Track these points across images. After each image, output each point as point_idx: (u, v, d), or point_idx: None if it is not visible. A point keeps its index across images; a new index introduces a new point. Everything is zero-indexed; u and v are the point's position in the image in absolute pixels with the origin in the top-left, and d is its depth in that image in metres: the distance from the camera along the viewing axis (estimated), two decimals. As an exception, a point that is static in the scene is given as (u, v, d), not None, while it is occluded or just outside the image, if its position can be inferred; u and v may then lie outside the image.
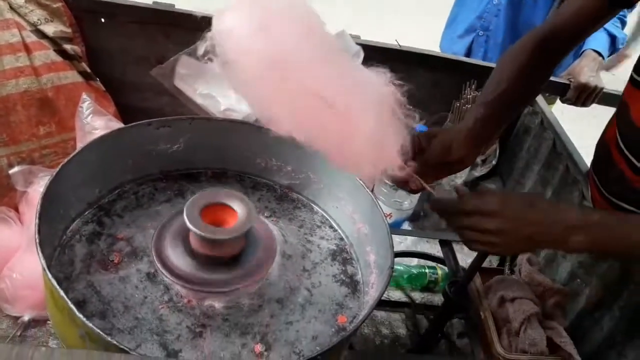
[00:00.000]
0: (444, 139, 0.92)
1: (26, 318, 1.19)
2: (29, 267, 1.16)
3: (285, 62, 0.69)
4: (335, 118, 0.72)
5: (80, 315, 0.66)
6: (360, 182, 1.06)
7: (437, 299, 1.47)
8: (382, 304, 1.43)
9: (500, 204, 0.77)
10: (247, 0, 0.72)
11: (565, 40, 0.97)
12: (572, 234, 0.74)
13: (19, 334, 1.19)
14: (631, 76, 0.93)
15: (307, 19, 0.72)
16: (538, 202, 0.78)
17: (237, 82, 0.74)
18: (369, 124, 0.74)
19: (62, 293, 0.68)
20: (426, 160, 0.91)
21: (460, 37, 1.91)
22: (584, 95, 1.54)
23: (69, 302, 0.67)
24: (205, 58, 0.71)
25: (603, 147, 1.02)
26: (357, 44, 1.52)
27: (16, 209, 1.32)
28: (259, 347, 0.86)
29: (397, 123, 0.76)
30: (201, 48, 0.71)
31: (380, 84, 0.74)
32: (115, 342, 0.64)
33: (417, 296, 1.46)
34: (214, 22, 0.72)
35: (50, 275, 0.70)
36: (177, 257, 0.91)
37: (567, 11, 0.96)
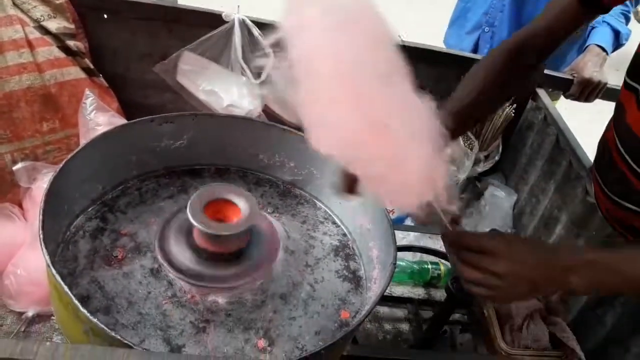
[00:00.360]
0: None
1: (30, 314, 1.20)
2: (33, 263, 1.16)
3: (348, 72, 0.66)
4: (387, 142, 0.69)
5: (85, 311, 0.66)
6: (363, 178, 1.06)
7: (440, 294, 1.47)
8: (385, 299, 1.43)
9: (506, 246, 0.74)
10: None
11: (540, 48, 0.96)
12: (569, 274, 0.71)
13: (23, 329, 1.19)
14: (624, 80, 0.92)
15: (378, 31, 0.69)
16: (540, 245, 0.77)
17: (295, 80, 0.70)
18: (424, 154, 0.71)
19: (66, 289, 0.68)
20: None
21: (468, 34, 1.89)
22: (588, 91, 1.53)
23: (73, 298, 0.67)
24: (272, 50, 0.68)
25: (604, 146, 1.01)
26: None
27: (20, 206, 1.33)
28: (262, 343, 0.86)
29: (443, 156, 0.74)
30: (270, 38, 0.69)
31: (429, 112, 0.71)
32: (119, 337, 0.65)
33: (420, 292, 1.46)
34: (288, 10, 0.68)
35: (54, 271, 0.70)
36: (181, 253, 0.91)
37: (542, 19, 0.95)
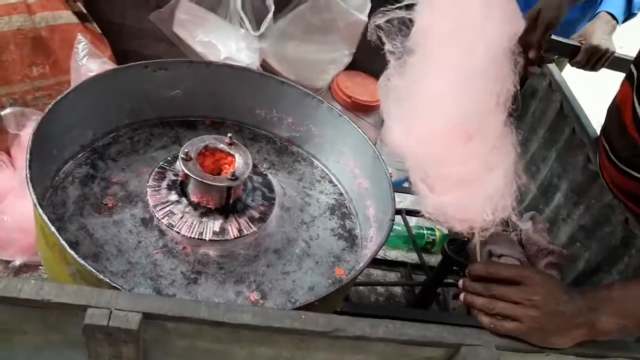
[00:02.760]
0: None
1: (17, 262, 1.18)
2: (21, 210, 1.13)
3: (459, 62, 0.63)
4: (480, 146, 0.66)
5: (72, 252, 0.64)
6: (364, 135, 1.03)
7: (434, 259, 1.47)
8: (379, 262, 1.43)
9: (542, 277, 0.70)
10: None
11: None
12: (596, 313, 0.67)
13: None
14: None
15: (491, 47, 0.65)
16: (563, 285, 0.72)
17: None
18: (506, 166, 0.68)
19: (52, 229, 0.65)
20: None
21: None
22: (594, 59, 1.49)
23: (60, 239, 0.65)
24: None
25: (615, 110, 0.98)
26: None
27: (8, 153, 1.29)
28: (254, 296, 0.85)
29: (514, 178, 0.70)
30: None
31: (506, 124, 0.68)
32: (107, 280, 0.62)
33: (414, 257, 1.45)
34: None
35: (41, 211, 0.67)
36: (174, 203, 0.89)
37: None
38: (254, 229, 0.90)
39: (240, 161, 0.90)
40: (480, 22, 0.63)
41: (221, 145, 0.91)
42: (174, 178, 0.92)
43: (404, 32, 0.66)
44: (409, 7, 0.66)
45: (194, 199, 0.88)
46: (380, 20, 0.66)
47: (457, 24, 0.64)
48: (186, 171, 0.84)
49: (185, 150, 0.86)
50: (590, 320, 0.67)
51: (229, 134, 0.91)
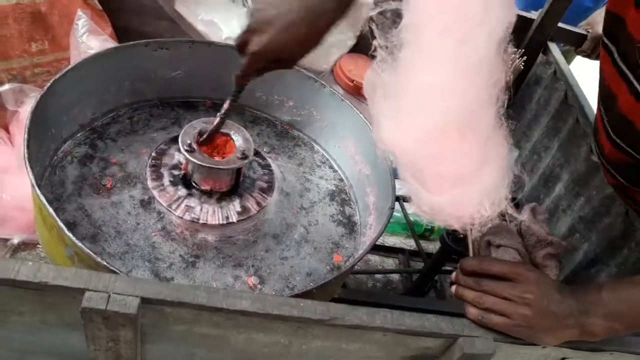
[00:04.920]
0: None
1: (15, 241, 1.17)
2: (19, 188, 1.12)
3: (452, 52, 0.61)
4: (474, 140, 0.64)
5: (69, 234, 0.63)
6: (366, 121, 1.02)
7: (432, 247, 1.47)
8: (377, 248, 1.43)
9: (536, 275, 0.69)
10: None
11: None
12: (587, 316, 0.66)
13: (8, 256, 1.17)
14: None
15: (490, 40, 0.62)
16: (559, 284, 0.71)
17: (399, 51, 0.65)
18: (501, 159, 0.67)
19: (50, 210, 0.65)
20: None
21: None
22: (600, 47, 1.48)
23: (58, 220, 0.64)
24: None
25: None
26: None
27: (6, 129, 1.28)
28: (252, 280, 0.85)
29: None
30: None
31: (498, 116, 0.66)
32: (105, 263, 0.62)
33: (412, 243, 1.45)
34: None
35: (39, 191, 0.66)
36: (172, 186, 0.88)
37: None
38: (253, 213, 0.89)
39: (239, 139, 0.88)
40: (481, 10, 0.61)
41: (222, 128, 0.90)
42: (174, 162, 0.91)
43: (397, 24, 0.64)
44: None
45: (203, 186, 0.87)
46: (372, 12, 0.64)
47: (456, 13, 0.61)
48: (196, 162, 0.82)
49: (188, 141, 0.84)
50: (581, 322, 0.67)
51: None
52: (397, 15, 0.64)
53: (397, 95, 0.66)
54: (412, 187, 0.70)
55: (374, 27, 0.65)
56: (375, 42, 0.66)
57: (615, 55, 0.78)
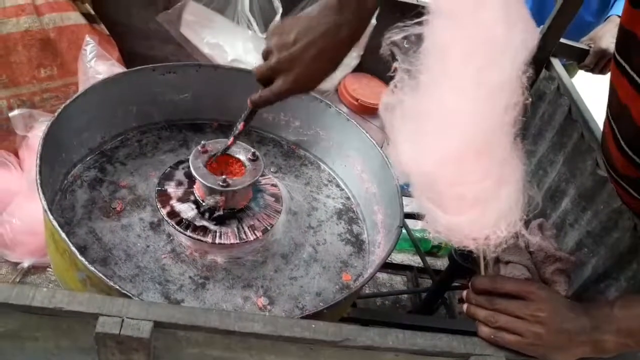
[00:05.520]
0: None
1: (26, 264, 1.18)
2: (29, 212, 1.14)
3: (473, 83, 0.62)
4: (492, 163, 0.65)
5: (82, 258, 0.64)
6: (372, 140, 1.03)
7: (440, 263, 1.47)
8: (385, 266, 1.42)
9: (548, 293, 0.69)
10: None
11: None
12: (599, 333, 0.66)
13: (18, 280, 1.18)
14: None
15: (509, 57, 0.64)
16: (570, 301, 0.71)
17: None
18: (516, 181, 0.67)
19: (63, 235, 0.65)
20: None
21: None
22: (603, 62, 1.48)
23: (70, 245, 0.65)
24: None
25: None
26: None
27: (16, 154, 1.30)
28: (261, 301, 0.85)
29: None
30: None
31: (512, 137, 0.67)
32: (117, 287, 0.63)
33: (420, 260, 1.45)
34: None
35: (51, 217, 0.67)
36: (181, 208, 0.89)
37: None
38: (261, 234, 0.90)
39: (250, 166, 0.89)
40: (504, 35, 0.62)
41: (231, 150, 0.91)
42: (183, 184, 0.92)
43: (418, 48, 0.65)
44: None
45: (211, 207, 0.87)
46: (396, 36, 0.66)
47: (479, 39, 0.62)
48: (196, 175, 0.83)
49: (198, 165, 0.85)
50: (593, 339, 0.66)
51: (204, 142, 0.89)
52: (420, 39, 0.65)
53: (416, 117, 0.67)
54: (428, 207, 0.70)
55: (395, 50, 0.66)
56: (396, 64, 0.67)
57: (627, 68, 0.79)
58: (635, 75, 0.75)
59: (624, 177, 0.91)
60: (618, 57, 0.80)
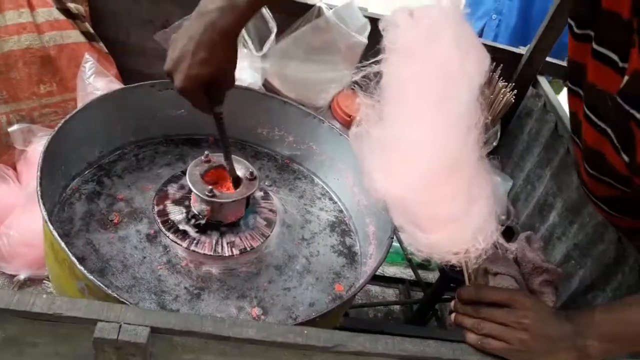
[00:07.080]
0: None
1: (22, 277, 1.19)
2: (27, 225, 1.15)
3: (433, 110, 0.66)
4: (461, 180, 0.68)
5: (81, 267, 0.66)
6: (363, 154, 1.05)
7: (432, 276, 1.49)
8: (377, 278, 1.45)
9: (532, 301, 0.72)
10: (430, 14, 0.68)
11: None
12: (583, 338, 0.69)
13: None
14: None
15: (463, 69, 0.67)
16: (554, 310, 0.74)
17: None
18: (487, 195, 0.70)
19: (62, 244, 0.67)
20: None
21: (478, 19, 1.88)
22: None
23: (70, 254, 0.67)
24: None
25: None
26: (365, 16, 1.50)
27: (14, 168, 1.32)
28: (255, 311, 0.87)
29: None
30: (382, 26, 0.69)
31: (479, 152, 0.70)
32: (115, 295, 0.64)
33: (412, 273, 1.47)
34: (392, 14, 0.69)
35: (51, 226, 0.69)
36: (177, 220, 0.91)
37: None
38: (256, 245, 0.92)
39: (241, 173, 0.92)
40: (459, 66, 0.66)
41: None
42: (179, 197, 0.95)
43: (379, 84, 0.69)
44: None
45: (207, 219, 0.89)
46: (356, 76, 0.70)
47: (435, 74, 0.66)
48: (192, 188, 0.86)
49: (195, 177, 0.88)
50: (577, 344, 0.69)
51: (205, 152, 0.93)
52: (380, 76, 0.69)
53: (383, 148, 0.71)
54: (407, 229, 0.73)
55: (357, 88, 0.70)
56: (358, 101, 0.70)
57: (581, 92, 0.84)
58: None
59: (598, 197, 0.94)
60: (571, 86, 0.85)
